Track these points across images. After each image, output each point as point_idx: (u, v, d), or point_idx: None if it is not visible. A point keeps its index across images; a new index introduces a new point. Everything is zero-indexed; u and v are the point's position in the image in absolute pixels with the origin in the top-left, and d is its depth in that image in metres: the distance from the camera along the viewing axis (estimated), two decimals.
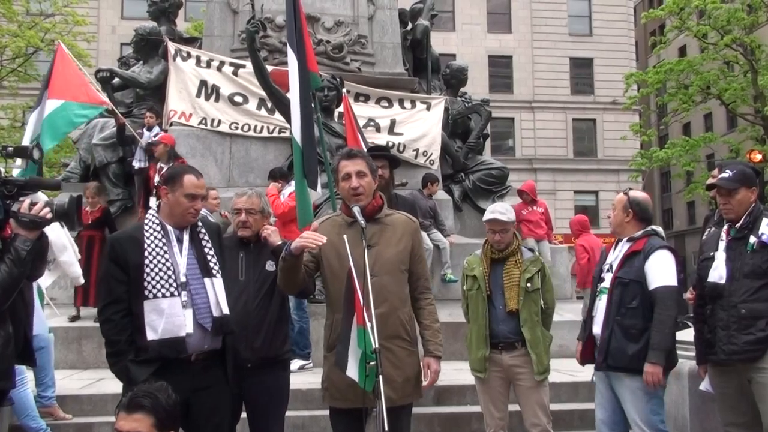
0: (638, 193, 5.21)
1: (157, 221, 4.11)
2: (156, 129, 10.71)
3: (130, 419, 3.12)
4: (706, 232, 5.50)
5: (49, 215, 3.88)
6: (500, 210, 5.15)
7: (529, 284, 5.07)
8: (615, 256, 5.04)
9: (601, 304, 4.98)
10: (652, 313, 4.75)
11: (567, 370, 7.62)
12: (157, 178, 9.93)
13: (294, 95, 7.60)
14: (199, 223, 4.26)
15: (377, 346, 3.47)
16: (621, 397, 4.89)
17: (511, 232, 5.16)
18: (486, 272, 5.17)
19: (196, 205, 4.13)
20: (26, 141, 9.77)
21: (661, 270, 4.80)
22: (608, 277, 4.99)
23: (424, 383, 4.20)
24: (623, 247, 5.01)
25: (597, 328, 4.99)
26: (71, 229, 4.16)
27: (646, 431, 4.76)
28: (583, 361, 5.21)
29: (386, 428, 3.33)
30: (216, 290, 4.10)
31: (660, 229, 5.10)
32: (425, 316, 4.22)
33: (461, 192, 12.23)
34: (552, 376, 5.42)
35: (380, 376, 3.44)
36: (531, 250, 5.38)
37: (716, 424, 5.11)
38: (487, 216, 5.18)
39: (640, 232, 4.99)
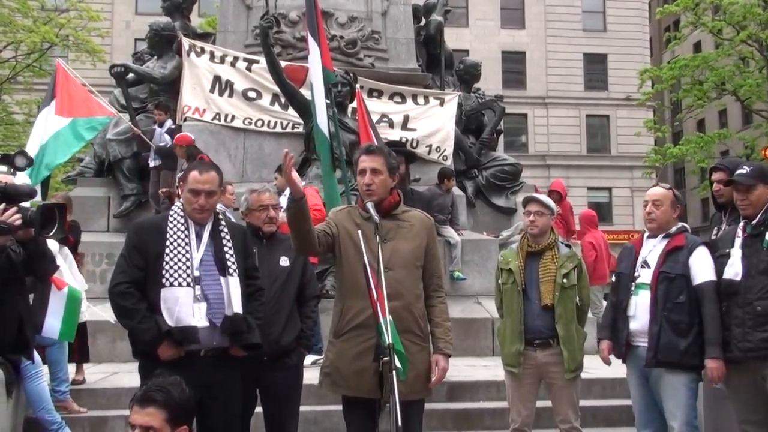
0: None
1: (181, 214, 4.20)
2: (168, 124, 10.73)
3: (143, 413, 3.14)
4: (714, 232, 5.46)
5: (18, 222, 3.91)
6: (540, 195, 5.26)
7: (565, 280, 5.02)
8: (649, 251, 4.99)
9: (641, 300, 4.91)
10: (696, 307, 4.75)
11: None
12: None
13: (318, 87, 7.63)
14: (223, 222, 4.29)
15: (391, 341, 3.48)
16: (661, 393, 4.86)
17: (547, 220, 5.13)
18: (521, 266, 5.12)
19: (199, 201, 4.15)
20: (30, 150, 9.51)
21: (704, 265, 4.80)
22: (645, 273, 4.94)
23: (432, 380, 4.19)
24: (660, 243, 4.97)
25: (635, 324, 4.93)
26: (39, 236, 4.22)
27: (684, 428, 4.74)
28: (620, 358, 5.15)
29: (399, 423, 3.33)
30: (231, 289, 4.14)
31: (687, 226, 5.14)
32: (437, 313, 4.20)
33: (474, 188, 12.22)
34: None
35: (394, 372, 3.44)
36: (568, 245, 5.31)
37: (730, 421, 5.09)
38: (526, 197, 5.27)
39: (675, 228, 4.98)
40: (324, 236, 4.08)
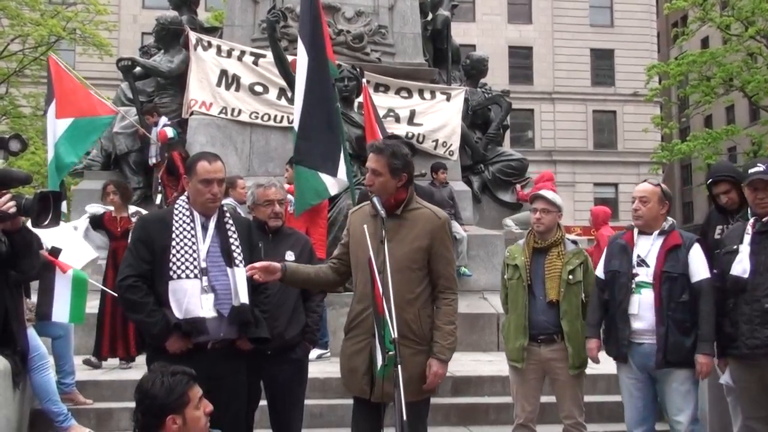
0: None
1: (186, 206, 4.21)
2: (162, 121, 10.72)
3: None
4: (718, 231, 5.39)
5: (12, 209, 3.87)
6: (547, 192, 5.24)
7: (570, 276, 5.00)
8: (647, 250, 4.91)
9: (644, 299, 4.84)
10: (696, 305, 4.75)
11: None
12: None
13: (299, 87, 7.63)
14: (227, 214, 4.30)
15: (395, 336, 3.48)
16: (667, 389, 4.84)
17: (553, 217, 5.11)
18: (527, 262, 5.10)
19: (212, 190, 4.16)
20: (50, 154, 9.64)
21: (700, 263, 4.82)
22: (644, 271, 4.87)
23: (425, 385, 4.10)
24: (656, 241, 4.92)
25: (640, 324, 4.86)
26: (34, 225, 4.13)
27: (685, 423, 4.75)
28: (618, 356, 5.06)
29: (404, 419, 3.33)
30: (237, 280, 4.15)
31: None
32: (440, 316, 4.10)
33: (480, 183, 12.23)
34: None
35: (399, 366, 3.44)
36: (575, 242, 5.29)
37: (735, 417, 5.08)
38: (533, 194, 5.27)
39: (668, 225, 4.95)
40: (339, 265, 4.24)
